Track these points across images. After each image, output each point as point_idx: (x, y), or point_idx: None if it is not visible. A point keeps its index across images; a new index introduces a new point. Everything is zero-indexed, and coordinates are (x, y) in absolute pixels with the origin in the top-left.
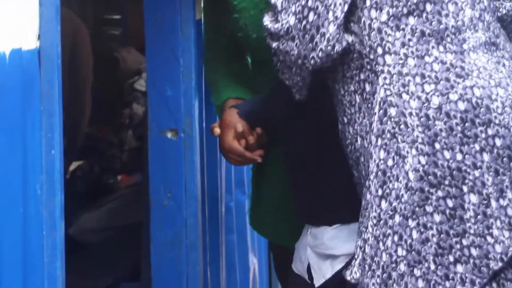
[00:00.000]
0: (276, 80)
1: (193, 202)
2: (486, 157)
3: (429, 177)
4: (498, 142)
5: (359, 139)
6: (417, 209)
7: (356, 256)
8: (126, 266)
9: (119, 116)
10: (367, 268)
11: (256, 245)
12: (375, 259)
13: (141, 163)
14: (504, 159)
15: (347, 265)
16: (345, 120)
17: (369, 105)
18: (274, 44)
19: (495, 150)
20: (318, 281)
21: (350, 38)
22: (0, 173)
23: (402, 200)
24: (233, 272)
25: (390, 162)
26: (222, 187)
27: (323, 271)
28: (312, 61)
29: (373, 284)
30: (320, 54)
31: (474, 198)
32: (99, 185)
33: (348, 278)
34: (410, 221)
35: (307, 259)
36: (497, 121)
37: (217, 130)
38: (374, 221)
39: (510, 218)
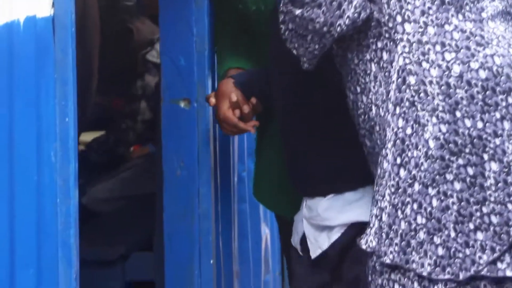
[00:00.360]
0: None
1: (206, 172)
2: (506, 125)
3: (450, 145)
4: None
5: (374, 108)
6: (437, 177)
7: (371, 225)
8: (139, 236)
9: (132, 87)
10: (384, 236)
11: (268, 215)
12: (393, 227)
13: (154, 134)
14: None
15: (346, 234)
16: (358, 89)
17: (386, 73)
18: (298, 12)
19: None
20: (314, 252)
21: (369, 6)
22: (15, 141)
23: (422, 168)
24: (245, 242)
25: (409, 131)
26: (235, 156)
27: (320, 243)
28: (338, 29)
29: (391, 252)
30: (347, 21)
31: (494, 166)
32: (113, 156)
33: (364, 247)
34: (430, 189)
35: (302, 231)
36: None
37: (212, 100)
38: (392, 190)
39: None
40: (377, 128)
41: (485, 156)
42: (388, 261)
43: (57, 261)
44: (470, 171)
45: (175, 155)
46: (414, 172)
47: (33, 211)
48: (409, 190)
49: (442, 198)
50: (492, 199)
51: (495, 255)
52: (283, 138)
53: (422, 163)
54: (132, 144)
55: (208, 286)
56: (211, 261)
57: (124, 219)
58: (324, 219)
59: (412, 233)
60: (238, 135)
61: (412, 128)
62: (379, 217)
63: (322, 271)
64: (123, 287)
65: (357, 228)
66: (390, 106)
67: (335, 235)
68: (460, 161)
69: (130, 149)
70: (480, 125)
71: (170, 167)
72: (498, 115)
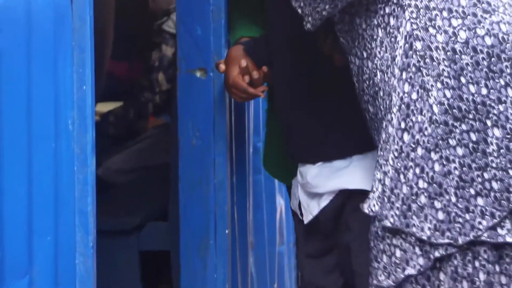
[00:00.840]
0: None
1: (222, 142)
2: (510, 92)
3: (454, 110)
4: None
5: (378, 73)
6: (440, 142)
7: (374, 189)
8: (154, 206)
9: (148, 58)
10: (386, 200)
11: (283, 186)
12: (394, 191)
13: (170, 104)
14: None
15: (334, 201)
16: (365, 54)
17: (392, 39)
18: None
19: None
20: (306, 218)
21: None
22: (32, 109)
23: (425, 133)
24: (260, 213)
25: (414, 96)
26: (250, 127)
27: (311, 209)
28: None
29: (392, 216)
30: None
31: (497, 132)
32: (132, 129)
33: (366, 211)
34: (432, 154)
35: (298, 196)
36: None
37: (222, 67)
38: (396, 154)
39: None
40: (381, 93)
41: (488, 122)
42: (388, 224)
43: (74, 229)
44: (473, 136)
45: (190, 125)
46: (417, 136)
47: (50, 179)
48: (412, 155)
49: (444, 163)
50: (494, 165)
51: (495, 220)
52: (278, 107)
53: (426, 128)
54: (150, 115)
55: (223, 256)
56: (226, 231)
57: (139, 190)
58: (313, 186)
59: (413, 197)
60: (254, 106)
61: (418, 93)
62: (382, 181)
63: (316, 237)
64: (138, 257)
65: (345, 196)
66: (396, 71)
67: (324, 202)
68: (464, 127)
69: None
70: (484, 91)
71: (186, 137)
72: (502, 81)
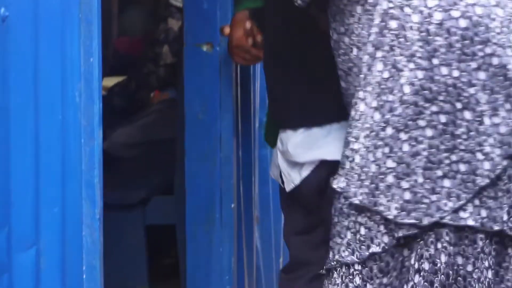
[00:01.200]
0: None
1: (228, 116)
2: (482, 75)
3: (425, 91)
4: (495, 61)
5: (354, 49)
6: (409, 122)
7: (342, 166)
8: (159, 180)
9: (154, 31)
10: (356, 177)
11: None
12: (364, 169)
13: (176, 78)
14: (499, 77)
15: (316, 172)
16: (342, 30)
17: (369, 16)
18: None
19: (491, 69)
20: (288, 186)
21: None
22: (39, 81)
23: (396, 113)
24: (265, 187)
25: (386, 75)
26: (256, 101)
27: (292, 177)
28: None
29: (361, 193)
30: None
31: (467, 114)
32: (134, 100)
33: (335, 186)
34: (402, 134)
35: (279, 164)
36: (494, 40)
37: (226, 30)
38: (367, 132)
39: (503, 136)
40: (355, 69)
41: (458, 105)
42: (356, 201)
43: (81, 201)
44: (443, 118)
45: (197, 99)
46: (387, 116)
47: (57, 152)
48: (382, 134)
49: (413, 143)
50: (462, 147)
51: (461, 202)
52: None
53: (396, 108)
54: (154, 88)
55: (228, 230)
56: (232, 206)
57: (144, 164)
58: (293, 155)
59: (382, 176)
60: (260, 81)
61: (389, 72)
62: (350, 159)
63: (301, 212)
64: (144, 231)
65: (328, 167)
66: (371, 49)
67: (305, 171)
68: (434, 108)
69: (151, 94)
70: (456, 73)
71: (192, 111)
72: (474, 64)
